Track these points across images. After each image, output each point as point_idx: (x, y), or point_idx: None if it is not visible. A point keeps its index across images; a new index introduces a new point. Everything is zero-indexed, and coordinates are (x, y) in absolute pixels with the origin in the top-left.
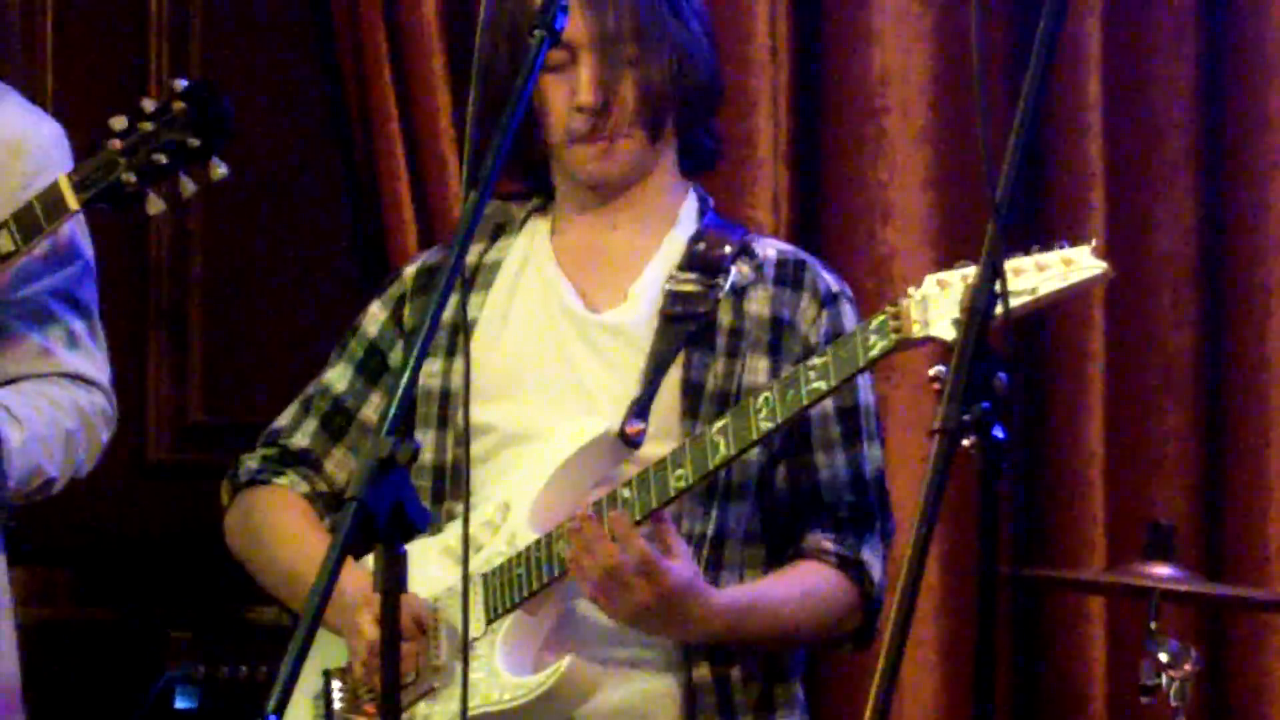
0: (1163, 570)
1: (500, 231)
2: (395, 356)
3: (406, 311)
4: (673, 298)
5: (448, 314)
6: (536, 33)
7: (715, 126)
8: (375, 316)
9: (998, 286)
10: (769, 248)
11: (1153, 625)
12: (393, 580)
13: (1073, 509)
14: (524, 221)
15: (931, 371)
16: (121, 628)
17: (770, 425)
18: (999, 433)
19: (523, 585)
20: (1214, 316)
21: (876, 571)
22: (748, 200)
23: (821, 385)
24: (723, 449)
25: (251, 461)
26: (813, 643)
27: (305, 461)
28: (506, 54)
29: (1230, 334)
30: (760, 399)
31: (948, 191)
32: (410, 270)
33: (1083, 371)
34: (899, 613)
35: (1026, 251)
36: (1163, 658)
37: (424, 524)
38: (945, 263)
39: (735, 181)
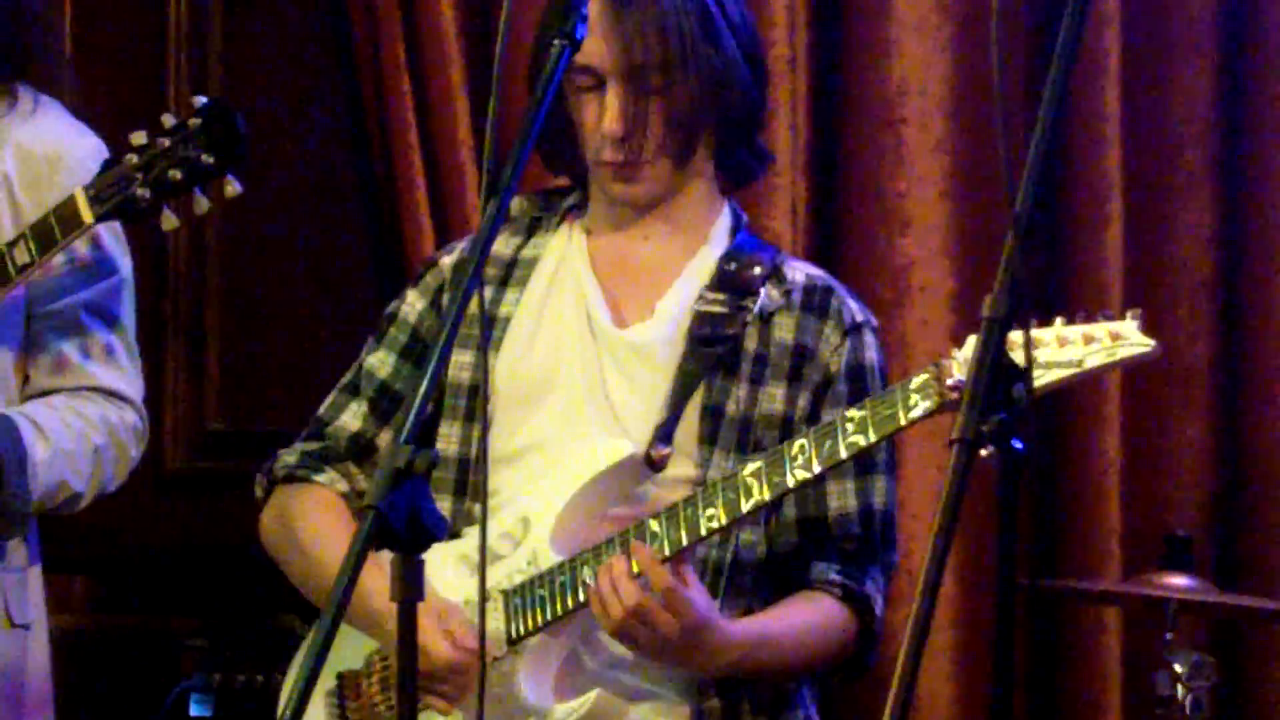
0: (1179, 581)
1: (537, 226)
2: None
3: (445, 301)
4: (701, 318)
5: (478, 307)
6: (556, 42)
7: (758, 143)
8: (414, 305)
9: (1019, 353)
10: (798, 272)
11: (1169, 636)
12: (410, 589)
13: (1089, 519)
14: (561, 219)
15: (950, 381)
16: (137, 636)
17: (806, 475)
18: (1017, 443)
19: (546, 608)
20: (1231, 327)
21: (878, 605)
22: (765, 210)
23: (860, 440)
24: (756, 493)
25: (290, 456)
26: (811, 673)
27: (351, 452)
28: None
29: (1247, 345)
30: (796, 446)
31: (965, 202)
32: (448, 261)
33: (1099, 382)
34: (916, 622)
35: (1069, 319)
36: (1179, 669)
37: (441, 533)
38: (963, 273)
39: (753, 191)
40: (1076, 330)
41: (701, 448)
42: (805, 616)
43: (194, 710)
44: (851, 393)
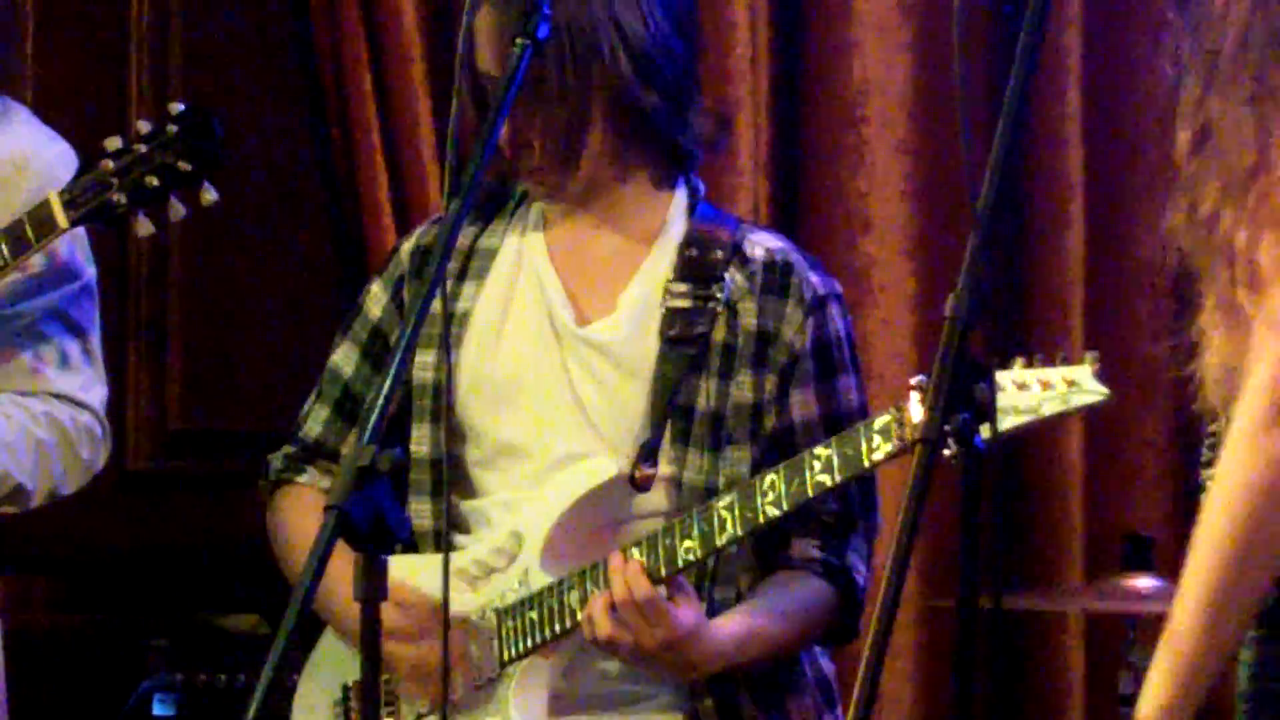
0: (1141, 581)
1: (493, 212)
2: (397, 338)
3: (406, 292)
4: (671, 317)
5: (440, 303)
6: (519, 41)
7: (692, 127)
8: (377, 297)
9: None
10: (758, 247)
11: (1131, 636)
12: (373, 589)
13: (1051, 520)
14: (517, 206)
15: (913, 381)
16: (100, 636)
17: (777, 512)
18: (979, 443)
19: (537, 631)
20: (1192, 328)
21: (861, 575)
22: (727, 208)
23: (826, 480)
24: (730, 527)
25: (277, 461)
26: (800, 649)
27: (323, 453)
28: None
29: None
30: (766, 481)
31: (927, 202)
32: (407, 247)
33: None
34: (879, 622)
35: (1029, 360)
36: (1141, 668)
37: (404, 534)
38: (924, 273)
39: (715, 190)
40: (1033, 375)
41: (675, 447)
42: (790, 601)
43: (156, 710)
44: (819, 369)
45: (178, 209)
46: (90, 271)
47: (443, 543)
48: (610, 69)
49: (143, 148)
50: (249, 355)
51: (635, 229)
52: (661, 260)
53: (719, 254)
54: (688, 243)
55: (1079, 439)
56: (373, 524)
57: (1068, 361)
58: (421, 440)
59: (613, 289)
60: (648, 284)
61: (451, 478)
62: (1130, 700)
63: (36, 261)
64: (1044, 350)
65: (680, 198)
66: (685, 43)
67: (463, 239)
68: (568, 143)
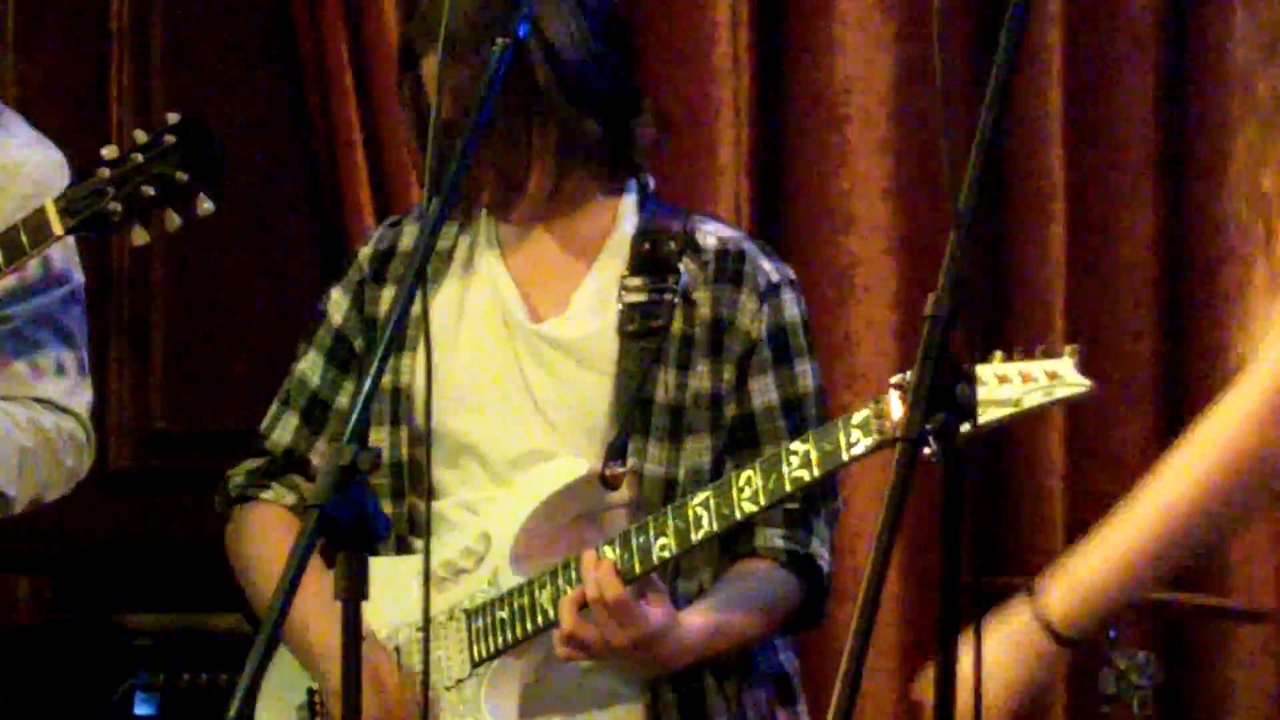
0: None
1: (447, 215)
2: (360, 344)
3: (366, 297)
4: (629, 312)
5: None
6: (500, 41)
7: (636, 138)
8: (339, 303)
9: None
10: (710, 236)
11: (1113, 634)
12: (354, 588)
13: (1032, 519)
14: (470, 206)
15: (894, 379)
16: (82, 635)
17: (754, 508)
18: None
19: (507, 631)
20: (1174, 326)
21: (825, 560)
22: (709, 208)
23: (804, 475)
24: (705, 524)
25: (238, 476)
26: (768, 639)
27: (290, 465)
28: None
29: (1190, 343)
30: (743, 477)
31: (909, 200)
32: (365, 253)
33: None
34: (861, 621)
35: (1009, 353)
36: (1123, 667)
37: (385, 533)
38: (906, 271)
39: (696, 190)
40: (1014, 368)
41: (635, 439)
42: (756, 592)
43: (139, 709)
44: (776, 356)
45: (173, 219)
46: (78, 278)
47: (417, 545)
48: (547, 98)
49: (139, 157)
50: (231, 355)
51: (587, 227)
52: (615, 255)
53: (672, 245)
54: (640, 237)
55: (1060, 437)
56: (354, 523)
57: (1048, 354)
58: (380, 444)
59: (567, 286)
60: (602, 279)
61: (413, 480)
62: (1111, 699)
63: (27, 265)
64: (1025, 347)
65: (630, 195)
66: (615, 48)
67: (416, 243)
68: (514, 177)
